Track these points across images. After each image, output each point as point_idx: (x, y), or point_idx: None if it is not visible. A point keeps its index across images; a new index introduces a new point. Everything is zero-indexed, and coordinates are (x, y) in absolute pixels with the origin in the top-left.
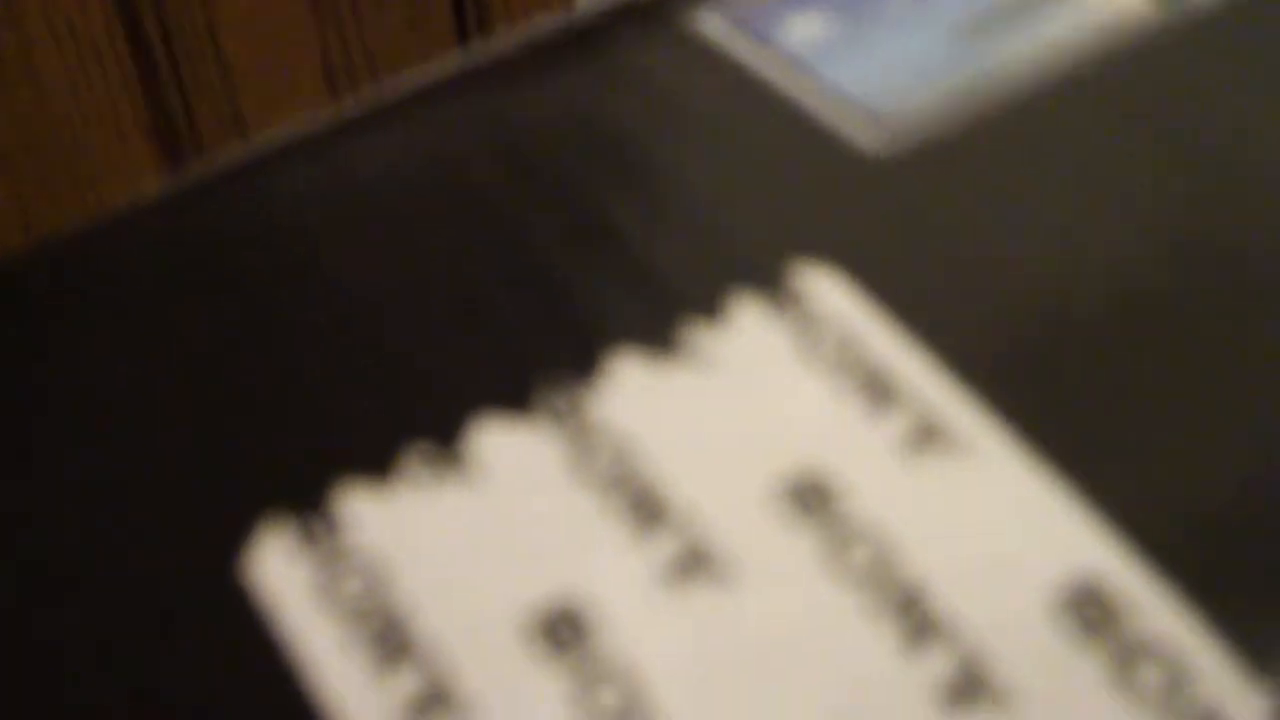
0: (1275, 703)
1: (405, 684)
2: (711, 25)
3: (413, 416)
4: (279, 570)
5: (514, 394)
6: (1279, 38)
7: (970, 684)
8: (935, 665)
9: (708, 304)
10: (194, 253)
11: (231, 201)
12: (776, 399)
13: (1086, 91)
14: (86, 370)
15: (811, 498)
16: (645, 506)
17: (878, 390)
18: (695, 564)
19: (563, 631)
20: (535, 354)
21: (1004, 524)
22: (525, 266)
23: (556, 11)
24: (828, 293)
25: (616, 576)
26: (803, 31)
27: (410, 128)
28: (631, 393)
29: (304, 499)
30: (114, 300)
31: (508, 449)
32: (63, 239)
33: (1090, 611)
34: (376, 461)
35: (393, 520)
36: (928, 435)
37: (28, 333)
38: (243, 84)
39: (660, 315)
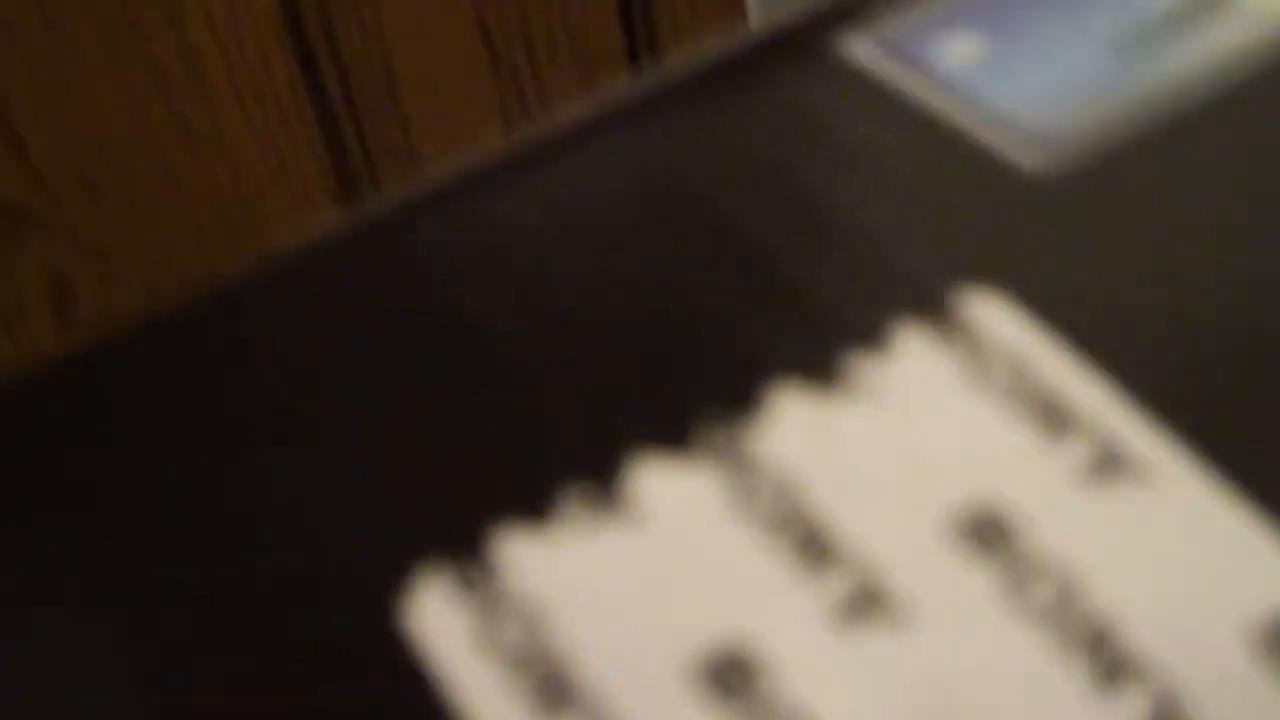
0: None
1: None
2: (863, 51)
3: (570, 458)
4: (438, 617)
5: (673, 432)
6: None
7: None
8: (1129, 707)
9: (871, 334)
10: (353, 297)
11: (385, 247)
12: (946, 430)
13: (1251, 103)
14: (240, 415)
15: (989, 532)
16: (813, 545)
17: (1053, 417)
18: (868, 604)
19: (731, 677)
20: (694, 391)
21: (1194, 556)
22: (684, 302)
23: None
24: (995, 318)
25: (785, 618)
26: (955, 53)
27: (563, 166)
28: (794, 427)
29: (462, 544)
30: (269, 350)
31: (667, 489)
32: (230, 281)
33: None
34: (534, 504)
35: (552, 564)
36: (1109, 464)
37: (201, 372)
38: (423, 142)
39: (823, 347)
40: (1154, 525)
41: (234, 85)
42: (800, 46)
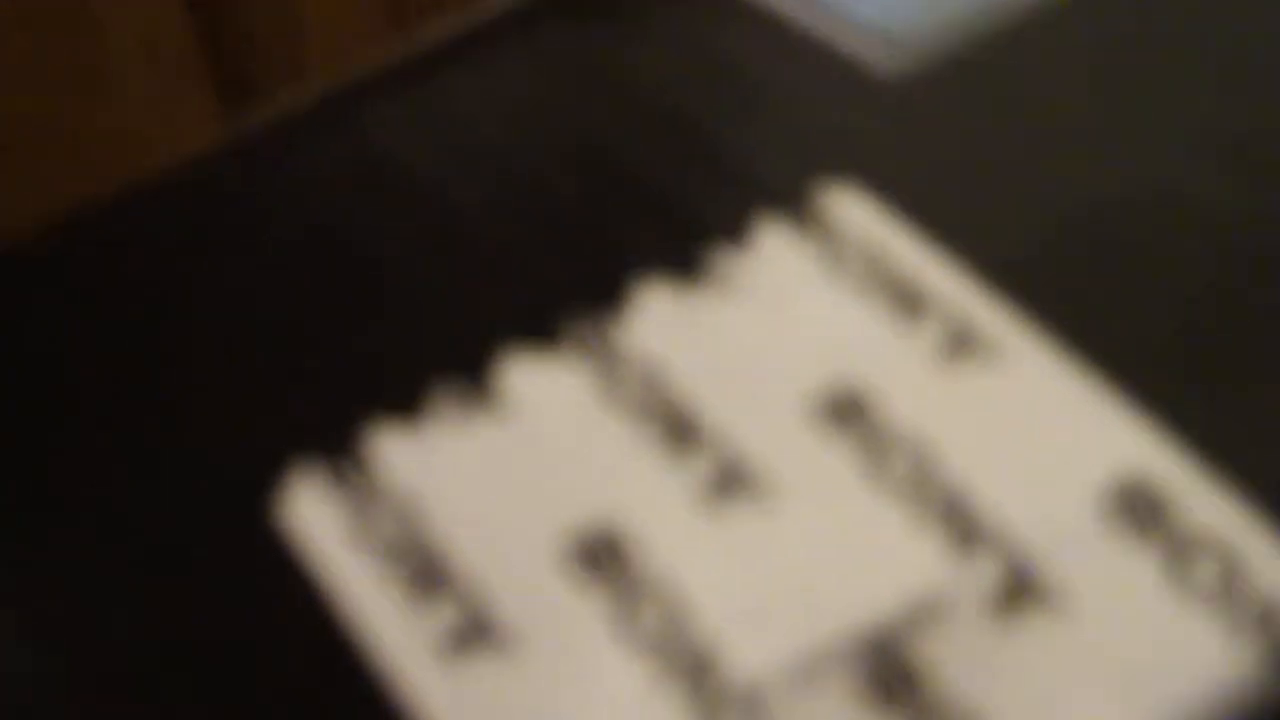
0: None
1: (445, 616)
2: None
3: (442, 357)
4: (314, 512)
5: (541, 329)
6: None
7: (1022, 589)
8: (984, 572)
9: (732, 231)
10: (229, 208)
11: (261, 161)
12: (806, 317)
13: (1099, 9)
14: (119, 325)
15: (848, 410)
16: (678, 430)
17: (907, 303)
18: (733, 482)
19: (601, 555)
20: (562, 290)
21: (1044, 426)
22: (551, 209)
23: None
24: (852, 212)
25: (653, 499)
26: None
27: (433, 83)
28: (659, 320)
29: (336, 442)
30: (155, 258)
31: (537, 383)
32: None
33: (1140, 508)
34: (406, 401)
35: (425, 458)
36: (960, 343)
37: (63, 291)
38: (313, 49)
39: (685, 245)
40: (1004, 399)
41: (127, 30)
42: None
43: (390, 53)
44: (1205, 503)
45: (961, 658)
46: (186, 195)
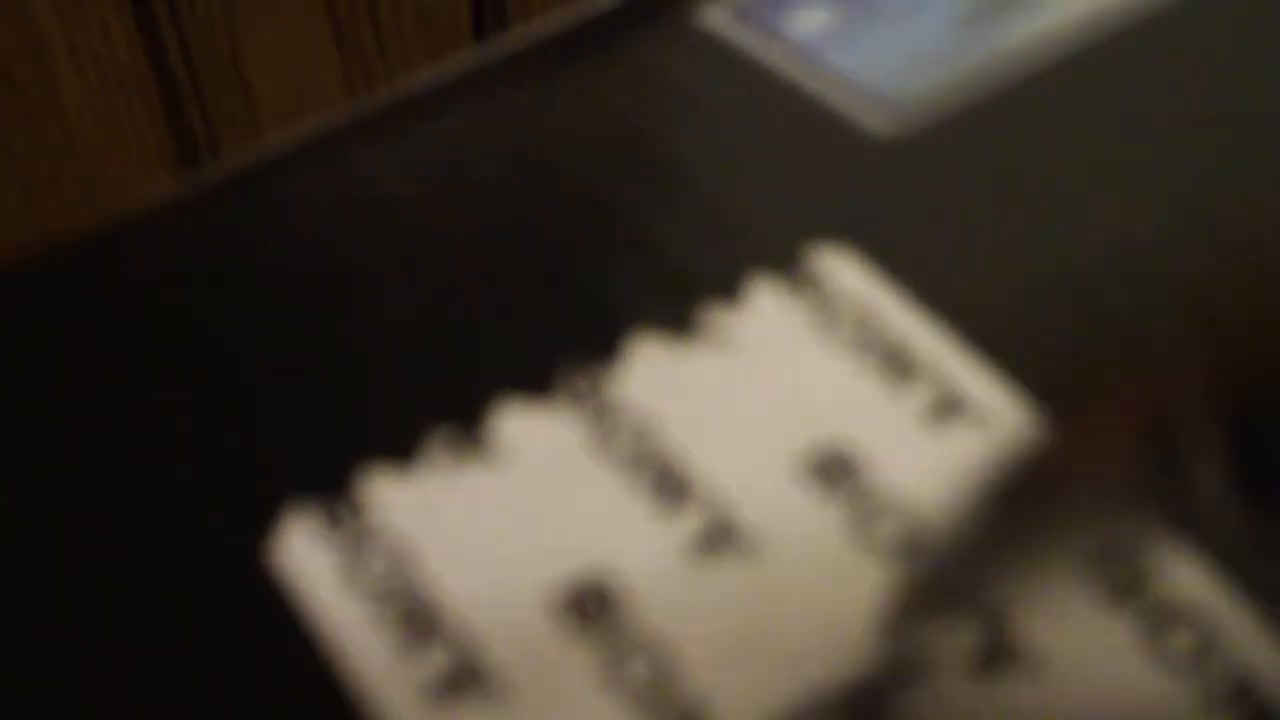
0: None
1: (434, 661)
2: (717, 19)
3: (435, 402)
4: (304, 554)
5: (535, 379)
6: (1272, 15)
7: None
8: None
9: (725, 288)
10: (210, 251)
11: (245, 202)
12: (796, 376)
13: (1087, 74)
14: (104, 365)
15: (835, 471)
16: (669, 483)
17: (896, 365)
18: (720, 538)
19: (591, 606)
20: (555, 340)
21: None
22: (545, 258)
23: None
24: (843, 272)
25: (642, 551)
26: (807, 22)
27: (425, 126)
28: (651, 373)
29: (329, 484)
30: (133, 297)
31: (530, 431)
32: (81, 240)
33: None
34: (400, 447)
35: (417, 503)
36: (948, 408)
37: (44, 328)
38: (266, 114)
39: (678, 300)
40: (984, 461)
41: (71, 49)
42: (656, 15)
43: (369, 102)
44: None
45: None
46: (171, 232)
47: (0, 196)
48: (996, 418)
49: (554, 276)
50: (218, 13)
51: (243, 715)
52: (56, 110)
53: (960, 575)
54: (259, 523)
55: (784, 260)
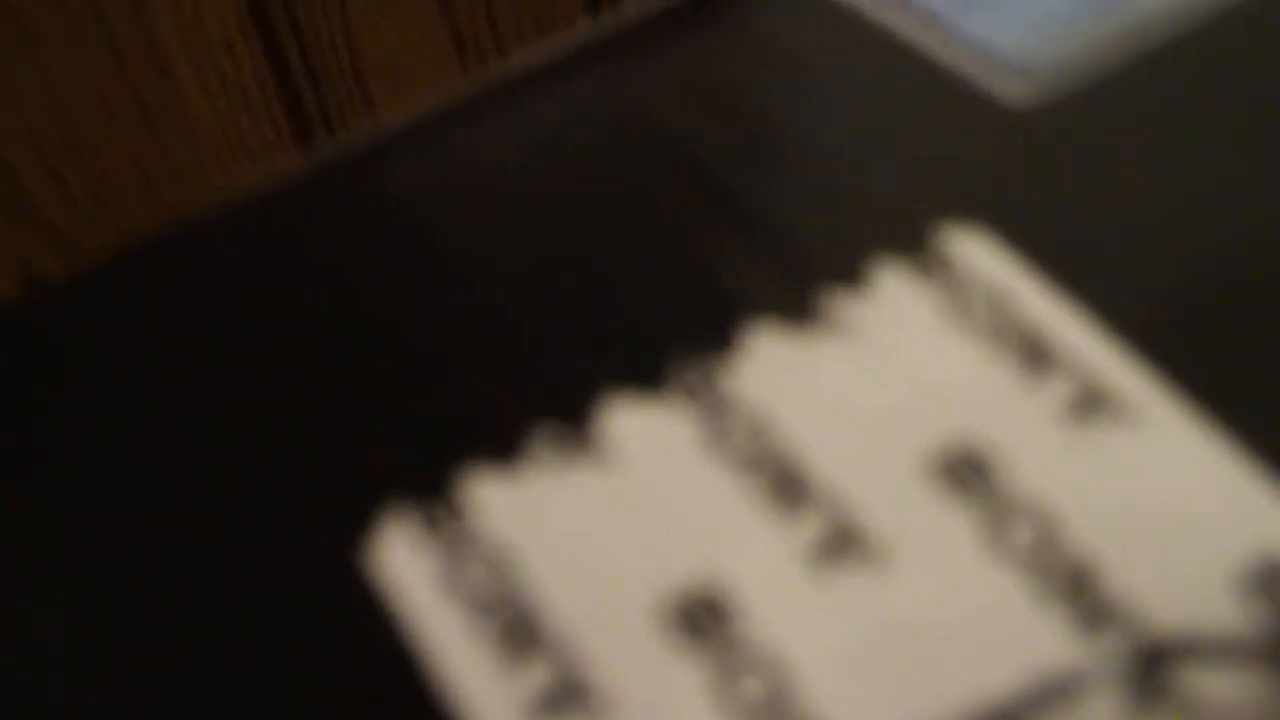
0: None
1: (536, 676)
2: None
3: (540, 398)
4: (403, 559)
5: (646, 372)
6: None
7: (1152, 673)
8: (1108, 651)
9: (849, 272)
10: (317, 238)
11: (354, 187)
12: (925, 367)
13: (1228, 39)
14: (209, 354)
15: (968, 472)
16: (787, 485)
17: (1034, 355)
18: (842, 545)
19: (702, 618)
20: (667, 330)
21: (1176, 497)
22: (656, 242)
23: None
24: (975, 253)
25: (758, 559)
26: None
27: (535, 105)
28: (769, 366)
29: (429, 485)
30: (239, 285)
31: (640, 429)
32: (188, 222)
33: (1272, 587)
34: (503, 445)
35: (520, 505)
36: (1090, 402)
37: (157, 311)
38: (380, 97)
39: (799, 285)
40: (1137, 464)
41: (197, 69)
42: None
43: (482, 81)
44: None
45: None
46: (275, 217)
47: (135, 219)
48: (1146, 414)
49: (666, 260)
50: (337, 24)
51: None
52: (187, 132)
53: None
54: (357, 526)
55: (912, 241)
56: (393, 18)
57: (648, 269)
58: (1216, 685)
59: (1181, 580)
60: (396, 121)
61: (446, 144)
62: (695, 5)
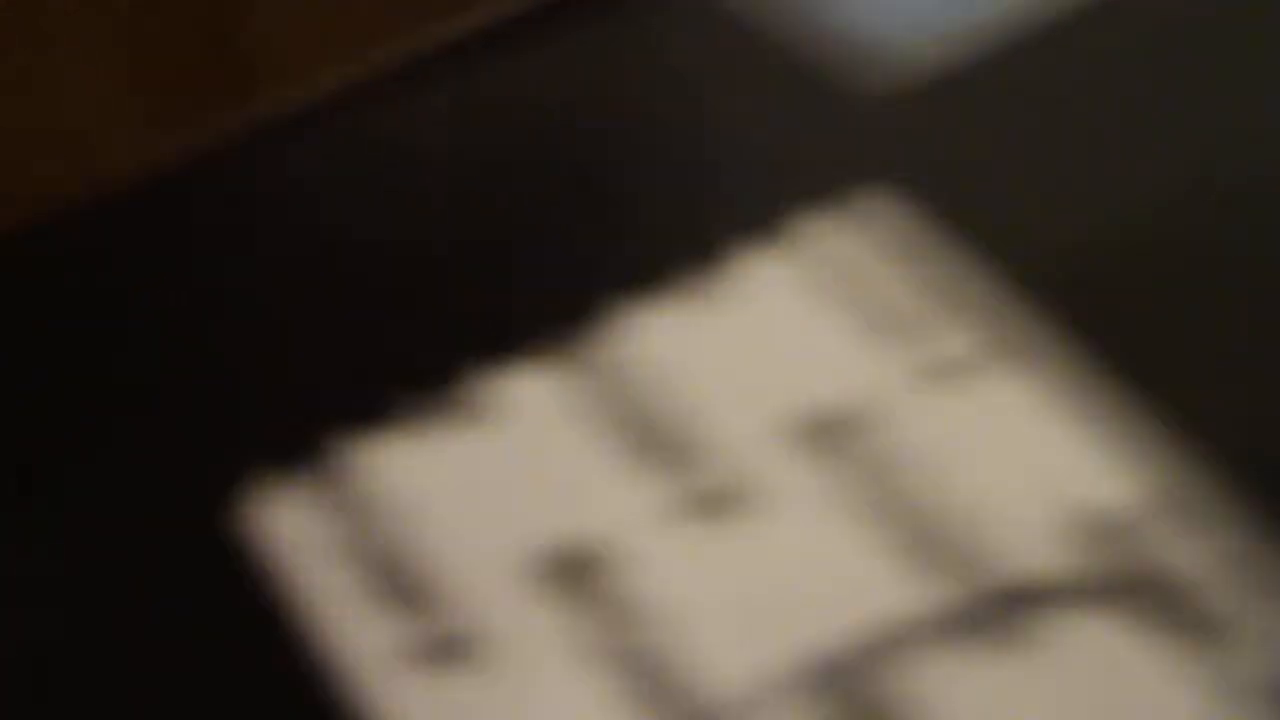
0: None
1: (414, 626)
2: None
3: (417, 364)
4: (283, 517)
5: (523, 338)
6: None
7: (992, 621)
8: (959, 596)
9: (720, 249)
10: (200, 212)
11: (236, 167)
12: (792, 335)
13: (1071, 34)
14: (89, 324)
15: (833, 431)
16: (661, 444)
17: (893, 324)
18: (713, 501)
19: (574, 570)
20: (540, 300)
21: (1022, 452)
22: (530, 218)
23: None
24: (833, 230)
25: (627, 515)
26: None
27: (417, 98)
28: (639, 333)
29: (309, 448)
30: (116, 261)
31: (513, 393)
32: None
33: (1100, 534)
34: (381, 409)
35: (398, 466)
36: (946, 366)
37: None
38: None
39: (670, 261)
40: (984, 426)
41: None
42: None
43: (373, 68)
44: (1189, 541)
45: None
46: (162, 198)
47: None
48: (1000, 378)
49: (540, 239)
50: None
51: (217, 680)
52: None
53: None
54: (237, 485)
55: (779, 220)
56: None
57: (522, 246)
58: (1058, 627)
59: (1026, 532)
60: (273, 110)
61: (329, 125)
62: (567, 3)
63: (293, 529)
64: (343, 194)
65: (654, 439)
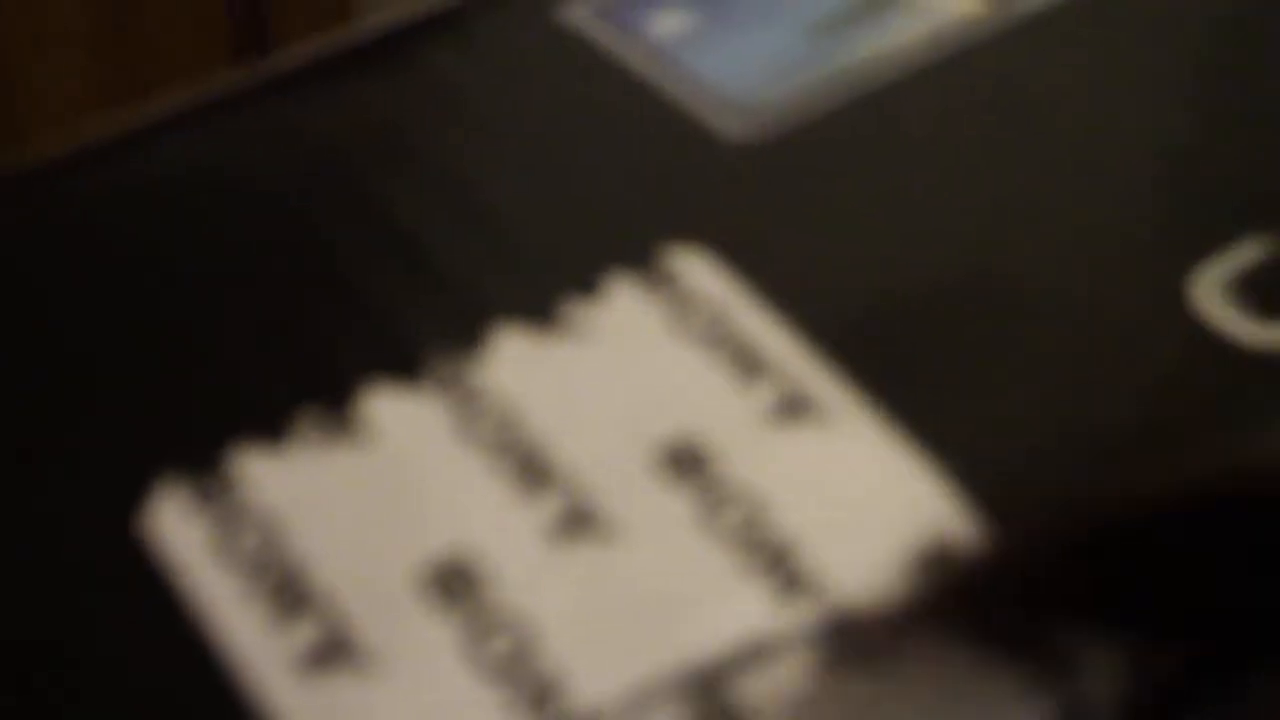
0: None
1: (303, 634)
2: (578, 16)
3: (305, 384)
4: (177, 526)
5: (402, 364)
6: (1106, 39)
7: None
8: (804, 616)
9: (584, 284)
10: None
11: (44, 197)
12: (652, 370)
13: (940, 85)
14: None
15: (686, 462)
16: (530, 468)
17: (746, 363)
18: (579, 523)
19: (454, 584)
20: (422, 328)
21: (860, 487)
22: (397, 243)
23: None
24: (697, 272)
25: (504, 532)
26: (666, 24)
27: (211, 136)
28: (514, 362)
29: (201, 460)
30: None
31: (396, 414)
32: None
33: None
34: (271, 425)
35: (287, 480)
36: (793, 406)
37: None
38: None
39: (538, 293)
40: (828, 458)
41: None
42: (516, 8)
43: (160, 106)
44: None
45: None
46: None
47: None
48: (839, 417)
49: (413, 268)
50: None
51: (112, 684)
52: None
53: None
54: (134, 496)
55: (642, 258)
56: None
57: (394, 274)
58: (900, 647)
59: (865, 557)
60: (71, 142)
61: (127, 166)
62: (425, 22)
63: (191, 538)
64: (190, 224)
65: (527, 463)
